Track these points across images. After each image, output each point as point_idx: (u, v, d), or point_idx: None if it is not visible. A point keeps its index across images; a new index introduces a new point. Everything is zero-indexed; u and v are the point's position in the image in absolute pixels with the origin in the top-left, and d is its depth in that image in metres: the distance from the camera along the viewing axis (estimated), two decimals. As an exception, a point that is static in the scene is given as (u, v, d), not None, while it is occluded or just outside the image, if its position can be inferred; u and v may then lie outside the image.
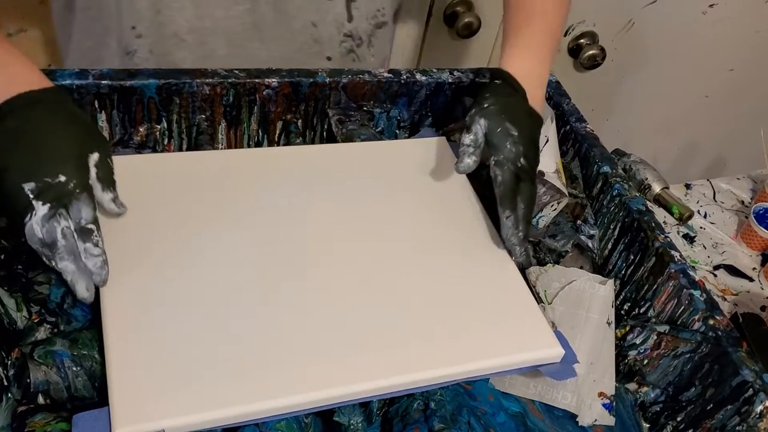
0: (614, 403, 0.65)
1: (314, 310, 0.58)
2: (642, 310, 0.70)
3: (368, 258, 0.64)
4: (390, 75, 0.78)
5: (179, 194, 0.65)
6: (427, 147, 0.77)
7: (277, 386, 0.53)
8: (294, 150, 0.74)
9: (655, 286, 0.68)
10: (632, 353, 0.69)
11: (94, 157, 0.56)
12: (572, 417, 0.64)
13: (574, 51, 1.35)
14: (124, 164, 0.63)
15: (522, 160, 0.65)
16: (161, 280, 0.58)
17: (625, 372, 0.70)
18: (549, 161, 0.75)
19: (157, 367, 0.52)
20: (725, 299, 0.98)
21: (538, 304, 0.68)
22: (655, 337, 0.67)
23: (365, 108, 0.78)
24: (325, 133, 0.79)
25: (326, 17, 0.82)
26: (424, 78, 0.79)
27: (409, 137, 0.82)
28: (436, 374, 0.57)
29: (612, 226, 0.74)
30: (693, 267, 0.99)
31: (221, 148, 0.76)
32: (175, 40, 0.78)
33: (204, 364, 0.53)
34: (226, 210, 0.65)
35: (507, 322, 0.61)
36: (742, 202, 1.15)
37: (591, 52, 1.34)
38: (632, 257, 0.71)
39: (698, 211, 1.11)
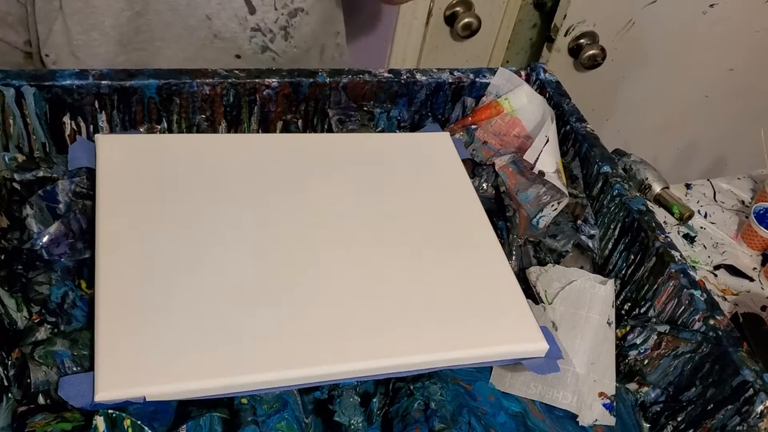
0: (615, 403, 0.65)
1: (304, 291, 0.59)
2: (642, 310, 0.70)
3: (363, 244, 0.65)
4: (390, 75, 0.78)
5: (178, 174, 0.66)
6: (430, 141, 0.77)
7: (256, 361, 0.54)
8: (298, 138, 0.75)
9: (656, 286, 0.68)
10: (633, 353, 0.69)
11: None
12: (573, 417, 0.64)
13: (575, 51, 1.35)
14: (129, 143, 0.67)
15: None
16: (156, 253, 0.59)
17: (625, 372, 0.70)
18: (549, 161, 0.75)
19: (144, 336, 0.53)
20: (726, 299, 0.98)
21: (539, 304, 0.68)
22: (656, 337, 0.67)
23: (365, 108, 0.78)
24: (325, 133, 0.79)
25: (222, 11, 0.80)
26: (424, 78, 0.79)
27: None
28: (419, 360, 0.57)
29: (612, 226, 0.74)
30: (693, 267, 0.99)
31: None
32: (72, 59, 0.78)
33: (190, 336, 0.54)
34: (226, 190, 0.66)
35: (495, 314, 0.62)
36: (743, 202, 1.15)
37: (591, 52, 1.34)
38: (632, 257, 0.71)
39: (698, 211, 1.11)
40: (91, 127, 0.70)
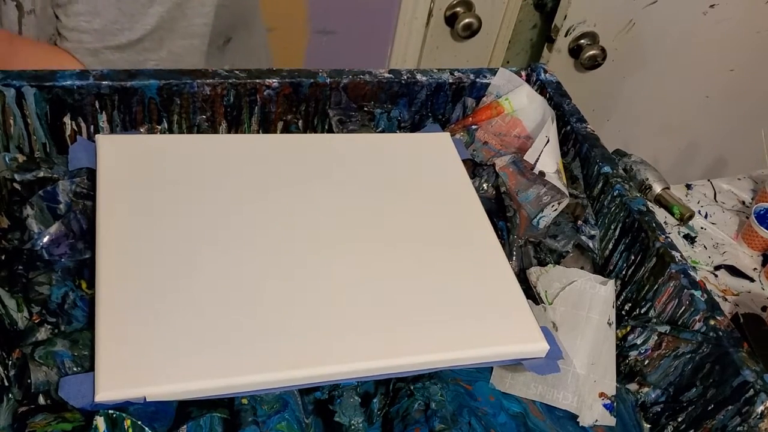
0: (615, 404, 0.65)
1: (304, 291, 0.59)
2: (643, 311, 0.70)
3: (363, 245, 0.65)
4: (390, 75, 0.78)
5: (178, 175, 0.66)
6: (430, 141, 0.77)
7: (257, 362, 0.54)
8: (298, 138, 0.75)
9: (656, 286, 0.68)
10: (633, 353, 0.69)
11: None
12: (573, 417, 0.64)
13: (575, 51, 1.35)
14: (129, 143, 0.67)
15: None
16: (156, 253, 0.59)
17: (625, 372, 0.70)
18: (550, 161, 0.75)
19: (144, 336, 0.53)
20: (726, 299, 0.98)
21: (539, 304, 0.68)
22: (656, 338, 0.67)
23: (366, 108, 0.78)
24: (325, 133, 0.79)
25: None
26: (424, 78, 0.79)
27: (410, 137, 0.83)
28: (419, 360, 0.57)
29: (613, 227, 0.74)
30: (694, 267, 0.99)
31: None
32: None
33: (191, 336, 0.54)
34: (227, 191, 0.66)
35: (495, 315, 0.62)
36: (743, 203, 1.15)
37: (592, 53, 1.34)
38: (633, 258, 0.71)
39: (699, 212, 1.11)
40: (92, 127, 0.70)
